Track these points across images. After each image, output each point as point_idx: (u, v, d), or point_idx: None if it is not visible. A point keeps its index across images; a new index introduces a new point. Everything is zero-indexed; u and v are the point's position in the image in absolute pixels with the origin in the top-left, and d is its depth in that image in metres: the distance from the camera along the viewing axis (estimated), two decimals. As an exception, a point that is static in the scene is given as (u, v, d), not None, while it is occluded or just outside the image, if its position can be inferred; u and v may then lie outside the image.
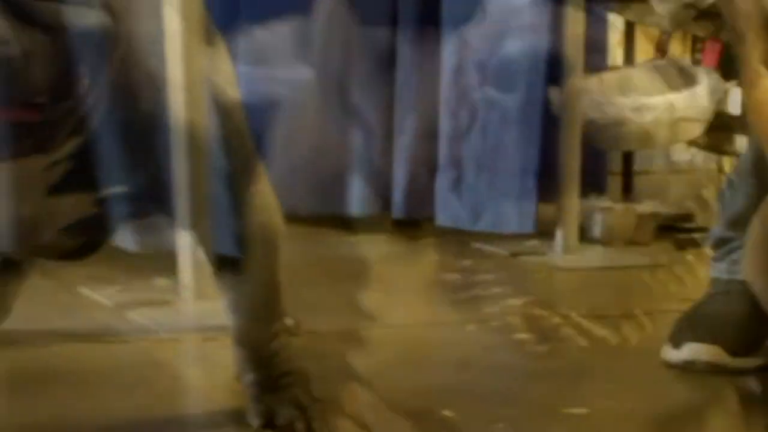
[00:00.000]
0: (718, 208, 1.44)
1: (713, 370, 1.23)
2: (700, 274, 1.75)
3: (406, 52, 2.17)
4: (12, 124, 0.80)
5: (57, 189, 0.85)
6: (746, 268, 1.24)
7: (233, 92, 1.00)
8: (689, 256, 1.94)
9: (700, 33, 2.31)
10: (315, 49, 2.18)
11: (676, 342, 1.28)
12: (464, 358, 1.34)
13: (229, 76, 1.01)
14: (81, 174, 0.85)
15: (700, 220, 2.28)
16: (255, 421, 0.97)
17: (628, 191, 2.41)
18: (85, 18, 0.84)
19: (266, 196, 1.00)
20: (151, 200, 0.94)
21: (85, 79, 0.84)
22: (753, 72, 1.07)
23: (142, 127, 0.87)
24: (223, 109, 0.96)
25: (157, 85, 0.93)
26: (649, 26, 2.44)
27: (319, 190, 2.17)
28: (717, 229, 1.41)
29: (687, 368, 1.23)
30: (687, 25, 2.09)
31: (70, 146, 0.82)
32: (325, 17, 2.13)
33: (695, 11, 2.01)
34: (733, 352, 1.25)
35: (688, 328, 1.30)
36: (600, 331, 1.45)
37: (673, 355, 1.27)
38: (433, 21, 2.14)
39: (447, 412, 1.08)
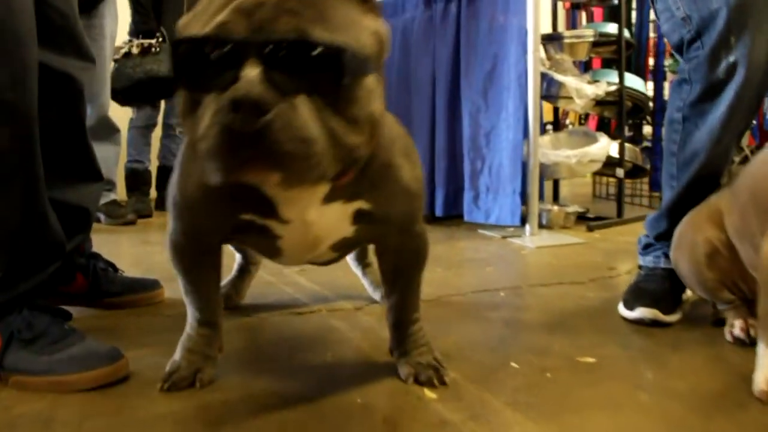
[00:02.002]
0: (645, 224, 1.79)
1: (654, 323, 1.57)
2: (603, 246, 2.71)
3: (441, 113, 3.30)
4: None
5: None
6: (672, 257, 1.60)
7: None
8: (596, 234, 3.04)
9: (592, 112, 3.60)
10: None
11: (630, 306, 1.62)
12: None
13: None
14: None
15: (592, 212, 3.49)
16: (407, 378, 1.20)
17: (556, 199, 3.72)
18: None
19: (421, 228, 1.20)
20: None
21: None
22: None
23: None
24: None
25: None
26: (570, 110, 3.78)
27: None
28: (643, 237, 1.79)
29: (638, 322, 1.59)
30: (590, 109, 3.41)
31: None
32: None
33: (593, 102, 3.31)
34: (664, 312, 1.58)
35: (637, 297, 1.63)
36: (567, 291, 1.95)
37: (628, 314, 1.62)
38: (456, 95, 3.23)
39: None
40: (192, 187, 1.04)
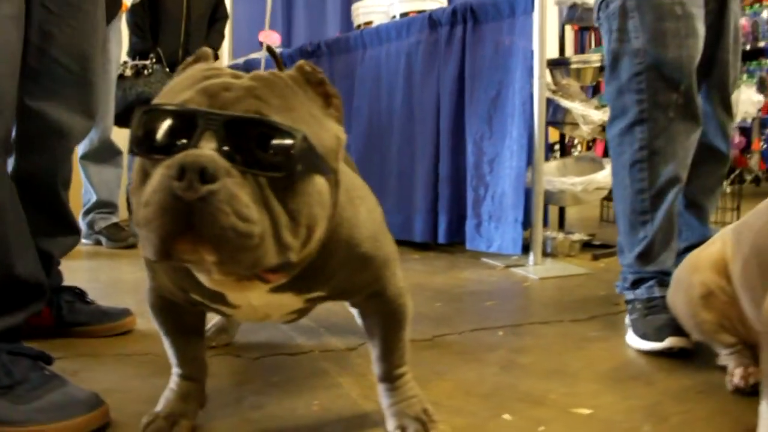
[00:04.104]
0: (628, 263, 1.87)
1: (681, 352, 1.63)
2: (608, 278, 2.56)
3: (445, 139, 3.28)
4: None
5: None
6: (669, 300, 1.62)
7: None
8: (600, 263, 2.97)
9: (600, 138, 3.57)
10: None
11: (654, 338, 1.66)
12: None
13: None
14: None
15: (599, 238, 3.43)
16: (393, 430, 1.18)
17: (562, 226, 3.67)
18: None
19: (400, 283, 1.18)
20: None
21: None
22: None
23: None
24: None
25: None
26: (576, 136, 3.76)
27: (397, 224, 3.30)
28: (628, 275, 1.88)
29: (666, 351, 1.63)
30: (597, 134, 3.37)
31: None
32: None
33: (601, 128, 3.28)
34: (689, 338, 1.62)
35: (659, 329, 1.66)
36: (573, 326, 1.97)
37: (656, 345, 1.66)
38: (460, 121, 3.21)
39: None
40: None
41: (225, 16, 4.62)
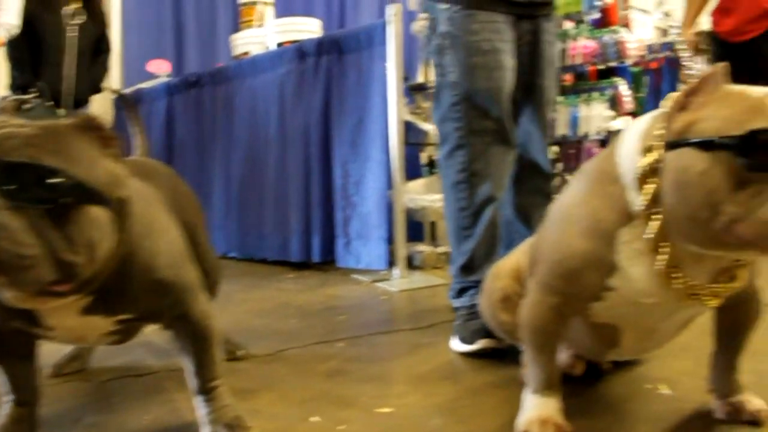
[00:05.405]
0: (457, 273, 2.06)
1: (494, 352, 1.80)
2: None
3: (315, 163, 3.47)
4: None
5: None
6: (479, 305, 1.75)
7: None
8: None
9: None
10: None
11: (469, 341, 1.85)
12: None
13: None
14: None
15: None
16: None
17: (433, 239, 3.88)
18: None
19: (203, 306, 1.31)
20: None
21: None
22: None
23: None
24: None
25: None
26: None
27: (274, 246, 3.48)
28: (455, 284, 2.07)
29: (480, 353, 1.82)
30: None
31: None
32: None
33: None
34: (500, 341, 1.77)
35: (474, 333, 1.85)
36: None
37: (469, 348, 1.85)
38: (328, 146, 3.42)
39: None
40: None
41: (108, 49, 4.63)
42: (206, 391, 1.36)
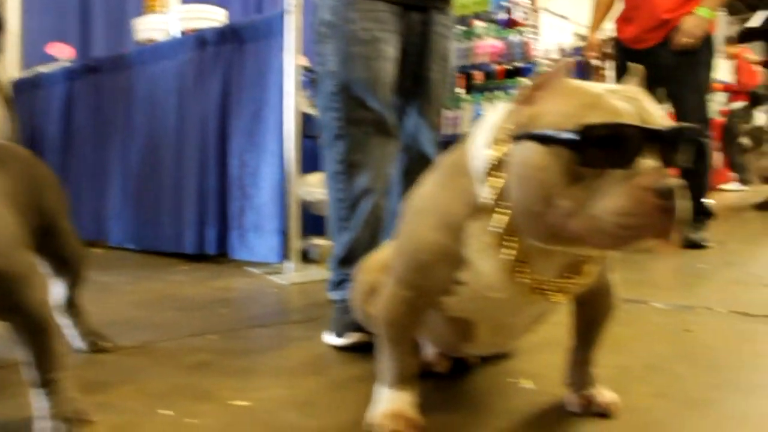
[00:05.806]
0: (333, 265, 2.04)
1: (364, 346, 1.73)
2: None
3: (212, 154, 3.40)
4: None
5: None
6: (353, 304, 1.69)
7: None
8: None
9: None
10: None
11: (340, 334, 1.85)
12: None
13: None
14: None
15: None
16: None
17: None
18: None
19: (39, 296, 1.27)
20: None
21: None
22: None
23: None
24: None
25: None
26: None
27: (170, 237, 3.39)
28: (333, 276, 2.05)
29: (348, 348, 1.80)
30: None
31: None
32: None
33: None
34: (370, 335, 1.68)
35: (345, 326, 1.84)
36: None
37: (340, 341, 1.84)
38: (225, 136, 3.36)
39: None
40: None
41: (2, 28, 4.44)
42: (45, 383, 1.30)
